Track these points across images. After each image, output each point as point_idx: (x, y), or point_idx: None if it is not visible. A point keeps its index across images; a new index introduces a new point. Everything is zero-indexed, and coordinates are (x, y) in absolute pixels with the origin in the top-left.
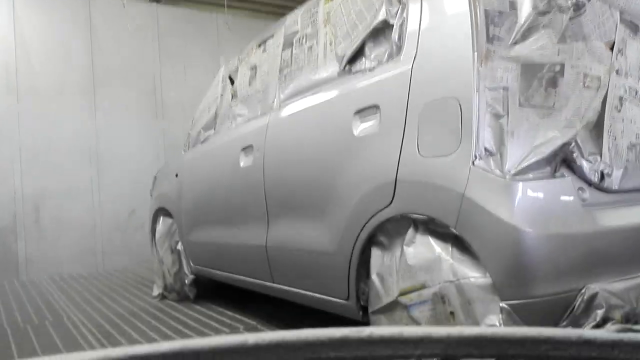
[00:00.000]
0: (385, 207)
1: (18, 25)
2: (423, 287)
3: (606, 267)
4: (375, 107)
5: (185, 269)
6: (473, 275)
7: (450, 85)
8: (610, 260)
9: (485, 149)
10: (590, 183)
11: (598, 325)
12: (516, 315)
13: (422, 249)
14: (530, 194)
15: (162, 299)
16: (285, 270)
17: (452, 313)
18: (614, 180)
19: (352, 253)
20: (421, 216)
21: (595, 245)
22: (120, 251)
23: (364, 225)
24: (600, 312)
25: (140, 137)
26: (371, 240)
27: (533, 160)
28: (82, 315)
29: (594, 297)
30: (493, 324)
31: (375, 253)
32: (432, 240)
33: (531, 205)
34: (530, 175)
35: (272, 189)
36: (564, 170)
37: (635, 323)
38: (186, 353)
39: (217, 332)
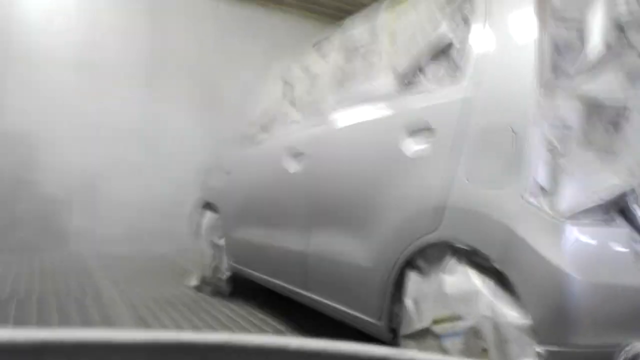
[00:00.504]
0: (429, 233)
1: (83, 5)
2: (458, 318)
3: None
4: (429, 130)
5: (224, 265)
6: (511, 315)
7: (509, 115)
8: None
9: (540, 186)
10: None
11: None
12: None
13: (461, 279)
14: (583, 239)
15: (198, 291)
16: (321, 280)
17: (485, 350)
18: None
19: (389, 273)
20: (465, 246)
21: None
22: (164, 236)
23: (405, 248)
24: None
25: (192, 127)
26: (409, 263)
27: (589, 205)
28: (120, 294)
29: (637, 355)
30: None
31: (412, 277)
32: (472, 272)
33: (582, 250)
34: (585, 220)
35: (318, 198)
36: (619, 220)
37: None
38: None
39: (245, 329)
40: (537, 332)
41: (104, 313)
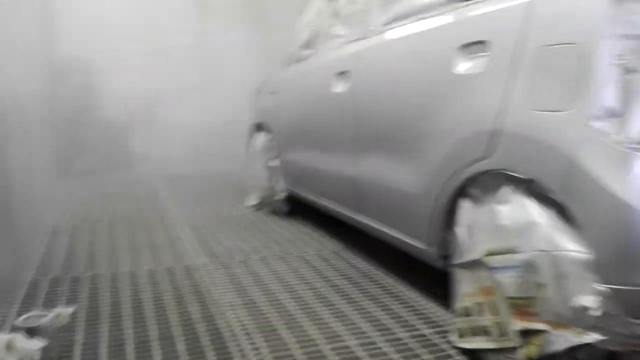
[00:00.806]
0: (482, 159)
1: None
2: (513, 251)
3: None
4: (484, 43)
5: (279, 185)
6: (571, 249)
7: (574, 27)
8: None
9: (608, 109)
10: None
11: None
12: (613, 300)
13: (517, 210)
14: None
15: (255, 211)
16: (372, 205)
17: (540, 285)
18: None
19: (440, 200)
20: (522, 175)
21: None
22: (221, 156)
23: (457, 174)
24: None
25: (244, 45)
26: (462, 190)
27: None
28: (182, 214)
29: None
30: (585, 304)
31: (465, 205)
32: (529, 203)
33: None
34: None
35: (365, 120)
36: None
37: None
38: None
39: (302, 250)
40: (599, 269)
41: (169, 235)
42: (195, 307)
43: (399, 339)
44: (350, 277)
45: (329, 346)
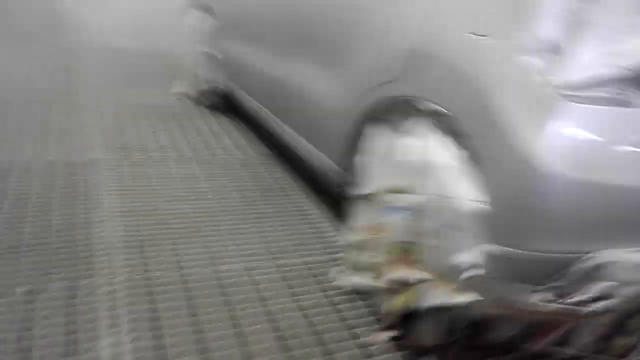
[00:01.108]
0: (393, 81)
1: None
2: (408, 191)
3: None
4: None
5: (213, 76)
6: (468, 199)
7: None
8: None
9: (544, 41)
10: None
11: (593, 300)
12: (500, 262)
13: (421, 146)
14: (582, 121)
15: (183, 100)
16: (295, 114)
17: (428, 232)
18: None
19: (352, 121)
20: (431, 106)
21: None
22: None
23: (368, 93)
24: (601, 287)
25: None
26: (373, 114)
27: (605, 75)
28: (104, 97)
29: (605, 266)
30: (470, 262)
31: (373, 131)
32: (436, 139)
33: (576, 136)
34: (592, 97)
35: (296, 19)
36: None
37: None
38: None
39: (220, 152)
40: (494, 228)
41: (82, 121)
42: (79, 209)
43: (292, 265)
44: (264, 189)
45: (211, 268)
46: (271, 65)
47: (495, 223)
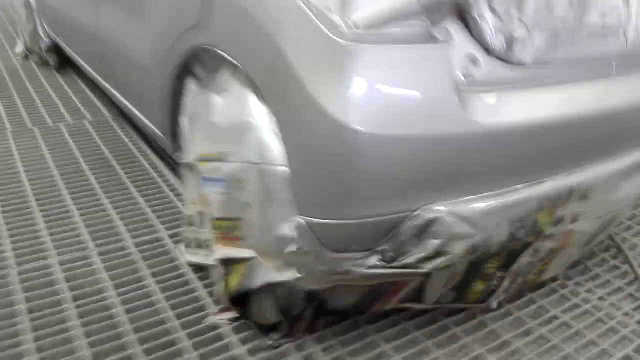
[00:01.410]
0: (194, 28)
1: None
2: (222, 159)
3: (472, 180)
4: None
5: (40, 32)
6: (281, 164)
7: None
8: (484, 171)
9: None
10: (489, 50)
11: (427, 259)
12: (310, 234)
13: (234, 105)
14: (382, 67)
15: (25, 59)
16: (115, 72)
17: (246, 205)
18: (530, 47)
19: (166, 77)
20: (231, 58)
21: (471, 150)
22: None
23: (175, 43)
24: (435, 243)
25: None
26: (188, 68)
27: (402, 10)
28: None
29: (430, 223)
30: (289, 235)
31: (191, 89)
32: (249, 98)
33: (376, 86)
34: (391, 32)
35: None
36: (451, 26)
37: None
38: None
39: (65, 116)
40: (298, 198)
41: None
42: None
43: (129, 247)
44: (118, 155)
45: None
46: (86, 15)
47: (307, 192)
